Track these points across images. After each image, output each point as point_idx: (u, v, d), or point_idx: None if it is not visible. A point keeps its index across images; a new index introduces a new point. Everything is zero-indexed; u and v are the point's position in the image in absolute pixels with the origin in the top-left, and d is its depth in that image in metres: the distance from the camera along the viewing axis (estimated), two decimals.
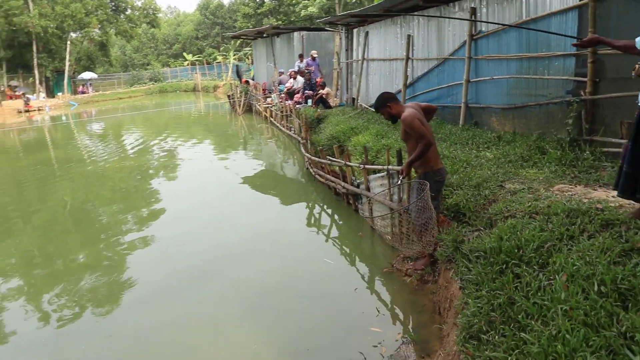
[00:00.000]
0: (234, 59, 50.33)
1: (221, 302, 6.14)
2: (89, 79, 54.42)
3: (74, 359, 5.14)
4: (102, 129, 28.95)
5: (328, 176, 9.83)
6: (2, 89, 47.72)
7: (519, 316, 3.50)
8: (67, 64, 49.69)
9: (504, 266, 4.16)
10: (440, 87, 11.32)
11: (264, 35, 26.22)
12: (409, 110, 5.60)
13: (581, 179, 5.84)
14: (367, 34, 15.50)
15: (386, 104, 5.71)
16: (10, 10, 44.49)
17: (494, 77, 9.37)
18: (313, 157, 10.63)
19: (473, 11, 9.95)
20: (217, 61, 57.46)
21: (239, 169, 14.01)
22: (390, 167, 6.82)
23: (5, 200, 12.50)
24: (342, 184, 8.93)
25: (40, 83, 49.07)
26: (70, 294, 6.68)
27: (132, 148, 19.54)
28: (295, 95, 19.53)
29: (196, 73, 55.96)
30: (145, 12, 58.89)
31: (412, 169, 5.86)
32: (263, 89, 24.96)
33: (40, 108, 44.20)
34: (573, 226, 4.30)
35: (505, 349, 3.21)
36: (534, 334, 3.16)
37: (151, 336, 5.45)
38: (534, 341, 3.08)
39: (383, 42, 14.53)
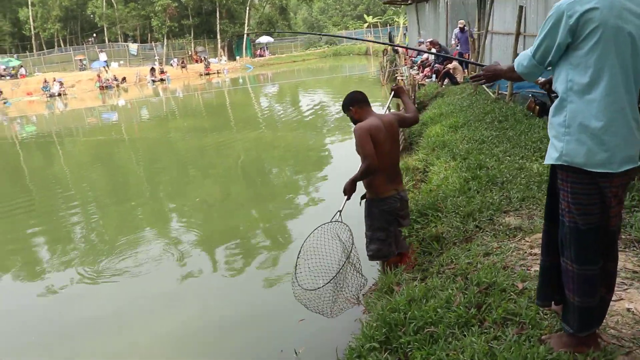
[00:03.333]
0: (404, 23, 48.92)
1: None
2: (266, 43, 56.79)
3: None
4: (275, 92, 30.29)
5: None
6: (190, 53, 51.83)
7: None
8: (246, 28, 52.24)
9: (369, 348, 3.26)
10: None
11: (409, 2, 24.85)
12: (370, 120, 4.57)
13: None
14: (492, 2, 13.75)
15: (349, 106, 4.67)
16: None
17: None
18: None
19: None
20: (392, 24, 56.47)
21: None
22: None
23: (188, 157, 14.36)
24: None
25: (222, 47, 52.33)
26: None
27: (303, 112, 21.14)
28: (426, 69, 18.20)
29: (369, 36, 55.51)
30: None
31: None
32: (406, 59, 23.76)
33: (219, 71, 47.22)
34: (474, 309, 3.22)
35: None
36: None
37: None
38: None
39: (503, 12, 12.81)
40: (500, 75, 3.01)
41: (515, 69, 2.70)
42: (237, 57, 53.49)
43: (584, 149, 2.38)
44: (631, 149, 2.39)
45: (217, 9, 50.53)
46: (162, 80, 44.32)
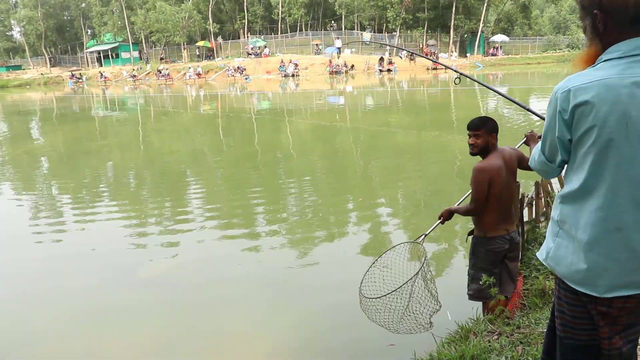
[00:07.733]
0: None
1: None
2: (501, 42, 54.55)
3: None
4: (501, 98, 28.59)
5: None
6: (421, 46, 51.93)
7: None
8: (480, 25, 50.81)
9: None
10: None
11: None
12: (493, 161, 4.15)
13: None
14: None
15: (492, 131, 4.21)
16: None
17: None
18: None
19: None
20: None
21: None
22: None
23: (406, 151, 13.98)
24: None
25: (454, 43, 51.51)
26: None
27: (533, 123, 19.01)
28: None
29: None
30: None
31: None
32: None
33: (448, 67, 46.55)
34: None
35: None
36: None
37: None
38: None
39: None
40: None
41: (529, 164, 2.25)
42: (468, 54, 52.25)
43: (568, 260, 1.98)
44: (633, 274, 1.86)
45: (454, 4, 49.80)
46: (389, 70, 45.08)
